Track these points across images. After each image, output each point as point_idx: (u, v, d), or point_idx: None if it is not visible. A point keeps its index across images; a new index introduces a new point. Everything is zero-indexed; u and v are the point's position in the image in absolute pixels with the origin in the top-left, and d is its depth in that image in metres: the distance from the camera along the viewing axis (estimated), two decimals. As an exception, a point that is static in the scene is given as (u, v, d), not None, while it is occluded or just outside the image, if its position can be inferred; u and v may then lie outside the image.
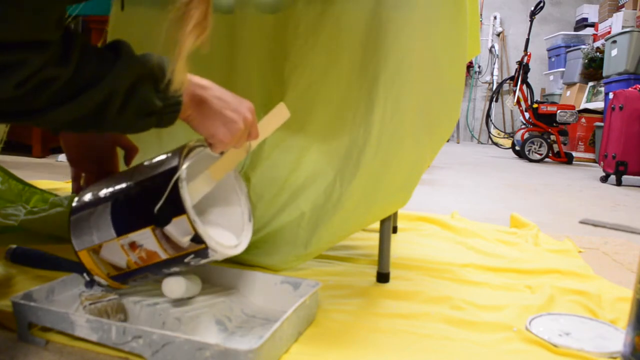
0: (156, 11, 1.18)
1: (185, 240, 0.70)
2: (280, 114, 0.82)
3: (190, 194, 0.70)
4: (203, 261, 0.75)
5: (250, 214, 0.84)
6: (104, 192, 0.76)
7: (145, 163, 0.77)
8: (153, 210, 0.69)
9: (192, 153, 0.74)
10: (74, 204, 0.79)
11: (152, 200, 0.69)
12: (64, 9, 0.55)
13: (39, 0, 0.50)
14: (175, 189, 0.69)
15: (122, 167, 0.90)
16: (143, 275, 0.78)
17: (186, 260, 0.74)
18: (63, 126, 0.60)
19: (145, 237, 0.71)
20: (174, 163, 0.71)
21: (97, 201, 0.76)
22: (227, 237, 0.79)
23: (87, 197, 0.78)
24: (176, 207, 0.69)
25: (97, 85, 0.58)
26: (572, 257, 1.30)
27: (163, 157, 0.75)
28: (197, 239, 0.70)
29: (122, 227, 0.73)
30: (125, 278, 0.78)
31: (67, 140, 0.88)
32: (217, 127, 0.71)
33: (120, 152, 0.91)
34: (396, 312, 0.89)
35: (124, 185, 0.75)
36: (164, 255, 0.73)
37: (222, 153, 0.77)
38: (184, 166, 0.70)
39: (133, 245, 0.73)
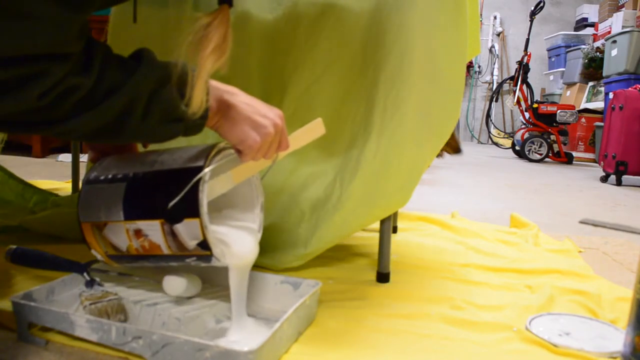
0: (156, 10, 1.18)
1: (192, 243, 0.69)
2: (315, 129, 0.78)
3: (208, 192, 0.69)
4: (203, 265, 0.75)
5: (261, 225, 0.82)
6: (121, 171, 0.75)
7: (171, 152, 0.76)
8: (167, 205, 0.68)
9: (220, 155, 0.72)
10: (90, 175, 0.78)
11: (169, 195, 0.68)
12: (86, 21, 0.55)
13: (60, 14, 0.50)
14: (195, 190, 0.67)
15: (139, 150, 0.89)
16: (140, 261, 0.77)
17: (187, 260, 0.74)
18: (86, 136, 0.59)
19: (153, 229, 0.71)
20: (200, 162, 0.69)
21: (112, 178, 0.75)
22: (233, 239, 0.78)
23: (105, 170, 0.77)
24: (191, 208, 0.67)
25: (118, 92, 0.57)
26: (572, 257, 1.30)
27: (191, 152, 0.73)
28: (204, 245, 0.69)
29: (132, 212, 0.72)
30: (122, 259, 0.78)
31: None
32: (246, 132, 0.69)
33: None
34: (396, 312, 0.89)
35: (143, 170, 0.74)
36: (166, 251, 0.72)
37: None
38: (209, 168, 0.69)
39: (138, 233, 0.72)
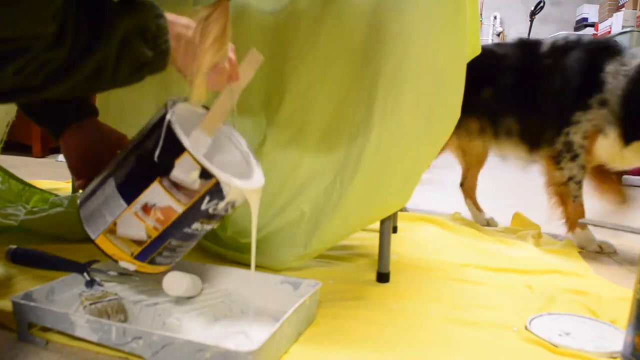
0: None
1: (193, 178, 0.69)
2: (254, 59, 0.79)
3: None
4: (222, 205, 0.72)
5: (256, 159, 0.82)
6: (104, 174, 0.76)
7: (136, 133, 0.78)
8: (154, 164, 0.69)
9: (177, 105, 0.74)
10: (79, 199, 0.78)
11: (150, 154, 0.69)
12: (62, 3, 0.56)
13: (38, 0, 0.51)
14: (170, 131, 0.68)
15: None
16: (167, 244, 0.75)
17: (203, 207, 0.72)
18: (60, 96, 0.61)
19: (155, 194, 0.70)
20: (162, 113, 0.71)
21: (100, 183, 0.76)
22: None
23: (90, 187, 0.78)
24: (175, 147, 0.68)
25: (90, 56, 0.58)
26: (572, 257, 1.30)
27: (150, 118, 0.75)
28: (204, 174, 0.68)
29: (130, 193, 0.72)
30: (150, 253, 0.75)
31: (67, 147, 0.87)
32: None
33: None
34: (396, 312, 0.89)
35: (121, 157, 0.75)
36: (179, 208, 0.71)
37: (207, 108, 0.77)
38: (173, 109, 0.70)
39: (146, 209, 0.71)
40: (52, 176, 2.15)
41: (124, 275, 0.90)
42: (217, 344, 0.63)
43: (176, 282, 0.83)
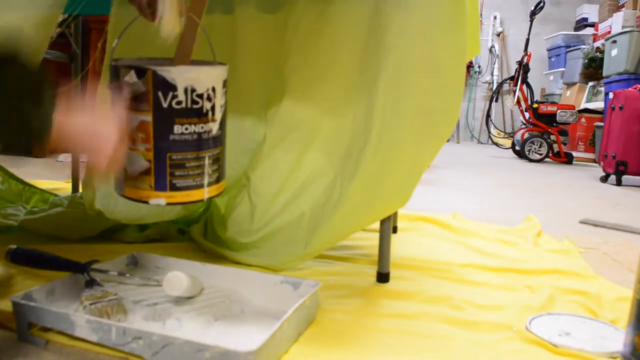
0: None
1: (133, 80, 0.73)
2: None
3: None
4: (180, 94, 0.74)
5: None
6: None
7: None
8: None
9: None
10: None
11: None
12: None
13: None
14: (111, 68, 0.76)
15: None
16: (169, 160, 0.76)
17: (165, 105, 0.74)
18: None
19: (127, 120, 0.75)
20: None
21: None
22: None
23: None
24: (115, 74, 0.75)
25: None
26: (572, 257, 1.30)
27: None
28: (139, 72, 0.73)
29: None
30: (162, 176, 0.77)
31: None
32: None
33: None
34: (396, 312, 0.89)
35: None
36: (148, 117, 0.75)
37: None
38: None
39: (132, 137, 0.75)
40: (52, 176, 2.15)
41: (124, 275, 0.90)
42: (217, 344, 0.63)
43: (176, 282, 0.83)
